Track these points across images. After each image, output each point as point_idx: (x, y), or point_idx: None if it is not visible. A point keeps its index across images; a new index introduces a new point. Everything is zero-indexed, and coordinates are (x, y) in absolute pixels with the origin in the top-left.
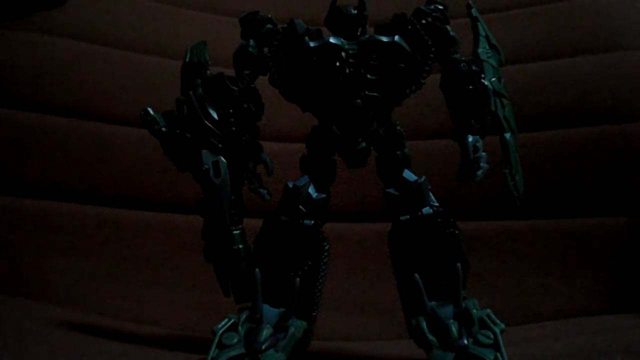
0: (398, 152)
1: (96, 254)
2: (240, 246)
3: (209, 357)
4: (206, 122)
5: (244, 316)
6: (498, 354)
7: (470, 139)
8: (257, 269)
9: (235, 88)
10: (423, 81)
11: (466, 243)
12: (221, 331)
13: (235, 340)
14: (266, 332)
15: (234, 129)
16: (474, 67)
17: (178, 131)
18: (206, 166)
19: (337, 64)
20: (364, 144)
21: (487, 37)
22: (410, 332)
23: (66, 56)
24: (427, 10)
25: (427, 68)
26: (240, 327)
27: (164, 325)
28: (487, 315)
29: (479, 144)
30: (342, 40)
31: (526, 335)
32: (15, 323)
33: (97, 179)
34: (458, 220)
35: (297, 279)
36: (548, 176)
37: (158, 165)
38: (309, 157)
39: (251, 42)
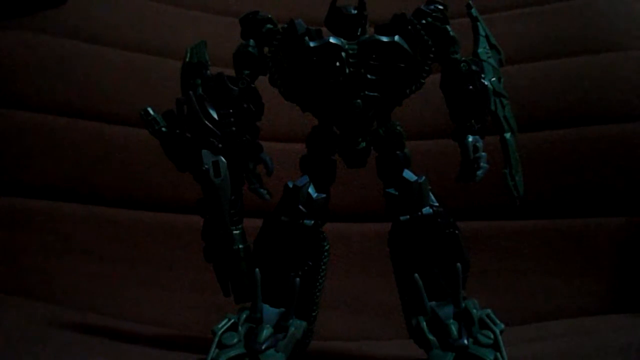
0: (398, 152)
1: (96, 254)
2: (240, 246)
3: (209, 357)
4: (206, 122)
5: (244, 316)
6: (498, 354)
7: (470, 139)
8: (257, 269)
9: (235, 88)
10: (423, 81)
11: (466, 243)
12: (221, 331)
13: (235, 340)
14: (266, 332)
15: (234, 129)
16: (474, 67)
17: (178, 131)
18: (206, 166)
19: (337, 64)
20: (364, 144)
21: (487, 37)
22: (410, 332)
23: (66, 56)
24: (427, 10)
25: (427, 68)
26: (240, 327)
27: (164, 325)
28: (487, 315)
29: (479, 144)
30: (342, 40)
31: (526, 335)
32: (16, 323)
33: (97, 179)
34: (458, 220)
35: (297, 279)
36: (548, 176)
37: (158, 165)
38: (309, 157)
39: (251, 42)
